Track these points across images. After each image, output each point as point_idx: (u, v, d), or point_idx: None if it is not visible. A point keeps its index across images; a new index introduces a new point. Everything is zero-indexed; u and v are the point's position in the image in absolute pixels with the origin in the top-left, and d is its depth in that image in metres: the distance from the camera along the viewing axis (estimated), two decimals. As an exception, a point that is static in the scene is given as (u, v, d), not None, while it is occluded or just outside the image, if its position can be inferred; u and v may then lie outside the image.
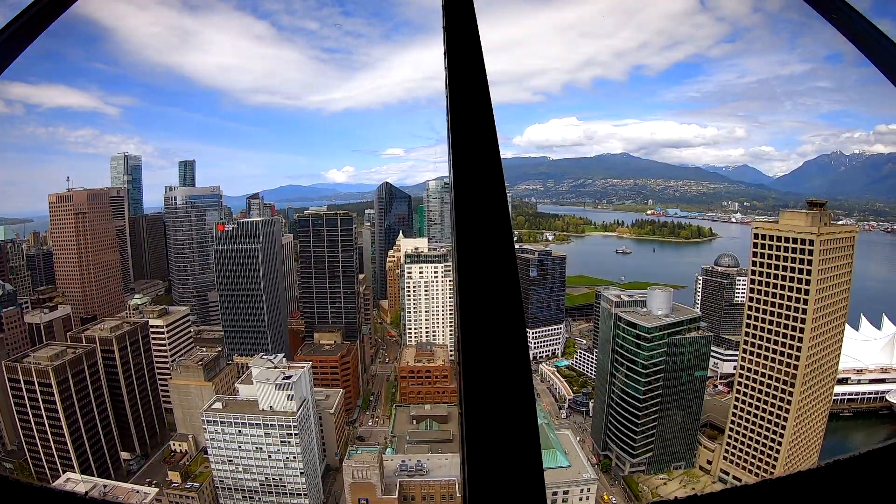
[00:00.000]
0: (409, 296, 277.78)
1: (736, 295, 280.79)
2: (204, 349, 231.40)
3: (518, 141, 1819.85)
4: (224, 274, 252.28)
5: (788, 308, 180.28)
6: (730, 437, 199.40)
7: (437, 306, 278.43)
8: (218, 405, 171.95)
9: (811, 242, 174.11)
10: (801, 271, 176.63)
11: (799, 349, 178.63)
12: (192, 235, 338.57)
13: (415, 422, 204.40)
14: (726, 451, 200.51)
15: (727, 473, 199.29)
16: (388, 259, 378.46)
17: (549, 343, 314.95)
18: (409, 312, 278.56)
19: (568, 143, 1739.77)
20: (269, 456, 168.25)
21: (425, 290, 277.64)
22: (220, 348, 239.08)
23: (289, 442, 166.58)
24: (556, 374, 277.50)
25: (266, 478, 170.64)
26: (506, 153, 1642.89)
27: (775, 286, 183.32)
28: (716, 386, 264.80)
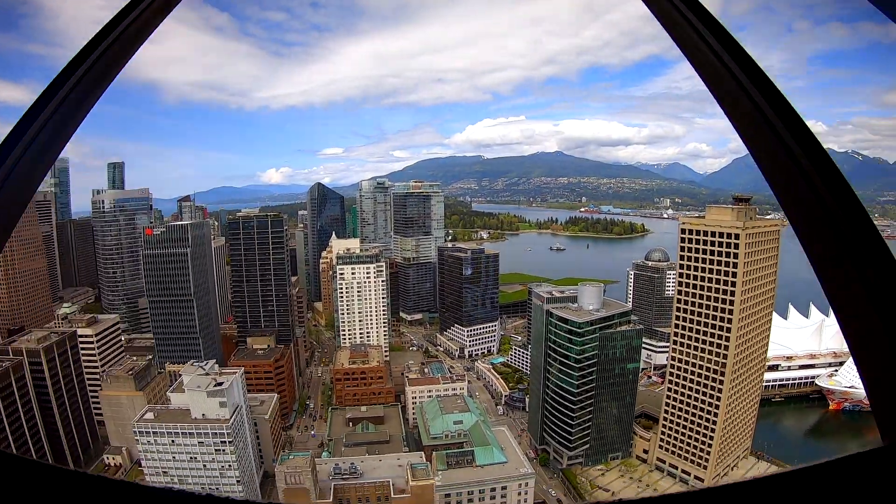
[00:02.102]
0: (342, 297, 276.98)
1: (667, 288, 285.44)
2: (134, 358, 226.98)
3: (458, 139, 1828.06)
4: (153, 280, 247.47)
5: (716, 300, 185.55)
6: (664, 426, 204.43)
7: (371, 307, 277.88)
8: (150, 415, 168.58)
9: (737, 236, 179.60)
10: (727, 264, 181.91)
11: (728, 339, 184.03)
12: (120, 240, 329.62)
13: (351, 424, 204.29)
14: (661, 439, 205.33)
15: (663, 462, 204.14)
16: (321, 260, 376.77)
17: (484, 340, 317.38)
18: (343, 314, 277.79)
19: (505, 142, 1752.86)
20: (205, 465, 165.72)
21: (358, 291, 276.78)
22: (150, 356, 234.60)
23: (223, 450, 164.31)
24: (492, 370, 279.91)
25: (202, 488, 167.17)
26: (443, 152, 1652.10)
27: (703, 279, 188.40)
28: (650, 377, 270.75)
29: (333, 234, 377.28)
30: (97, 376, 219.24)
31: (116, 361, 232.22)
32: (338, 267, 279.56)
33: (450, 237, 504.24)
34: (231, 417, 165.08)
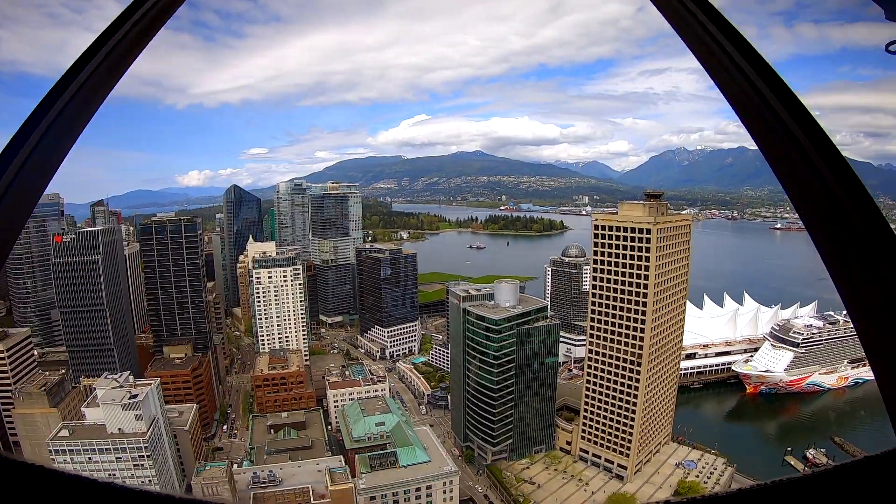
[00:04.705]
0: (259, 302, 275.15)
1: (584, 283, 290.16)
2: (47, 373, 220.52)
3: (381, 139, 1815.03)
4: (64, 289, 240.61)
5: (630, 293, 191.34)
6: (585, 417, 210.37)
7: (289, 311, 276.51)
8: (64, 433, 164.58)
9: (648, 231, 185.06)
10: (639, 258, 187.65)
11: (643, 330, 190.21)
12: (31, 249, 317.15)
13: (272, 431, 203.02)
14: (583, 431, 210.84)
15: (587, 452, 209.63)
16: (238, 265, 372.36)
17: (405, 341, 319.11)
18: (260, 319, 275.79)
19: (428, 142, 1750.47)
20: (124, 482, 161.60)
21: (275, 295, 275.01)
22: (64, 371, 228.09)
23: (142, 465, 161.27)
24: (414, 370, 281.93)
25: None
26: (365, 153, 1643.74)
27: (616, 273, 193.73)
28: (570, 370, 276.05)
29: (251, 238, 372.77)
30: (9, 394, 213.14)
31: (29, 377, 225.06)
32: (254, 271, 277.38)
33: (369, 238, 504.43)
34: (148, 430, 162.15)
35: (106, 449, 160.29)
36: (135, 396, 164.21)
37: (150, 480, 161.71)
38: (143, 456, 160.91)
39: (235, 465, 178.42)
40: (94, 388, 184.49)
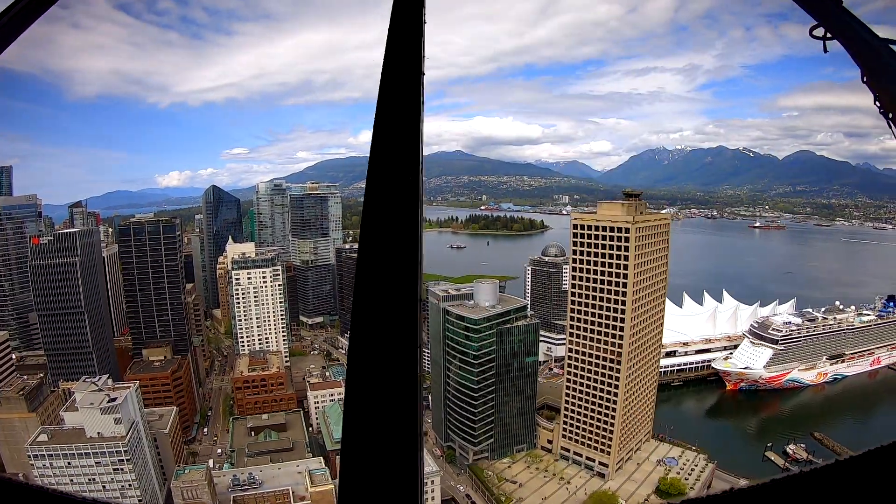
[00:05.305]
0: (239, 303, 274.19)
1: (563, 282, 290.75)
2: (25, 377, 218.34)
3: (362, 139, 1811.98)
4: (42, 292, 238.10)
5: (609, 291, 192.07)
6: (566, 416, 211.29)
7: (268, 312, 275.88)
8: (43, 437, 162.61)
9: (627, 230, 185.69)
10: (618, 257, 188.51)
11: (622, 328, 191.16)
12: (8, 251, 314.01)
13: (253, 433, 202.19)
14: (564, 429, 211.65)
15: (568, 450, 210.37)
16: (217, 266, 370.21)
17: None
18: (240, 320, 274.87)
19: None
20: (104, 486, 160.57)
21: (255, 296, 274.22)
22: (42, 375, 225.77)
23: (122, 469, 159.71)
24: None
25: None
26: (345, 153, 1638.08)
27: (595, 272, 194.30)
28: (551, 369, 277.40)
29: (230, 239, 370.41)
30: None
31: (6, 382, 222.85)
32: (233, 272, 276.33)
33: (350, 238, 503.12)
34: (127, 434, 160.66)
35: (85, 453, 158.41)
36: (114, 400, 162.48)
37: (129, 484, 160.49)
38: (122, 460, 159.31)
39: (216, 467, 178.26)
40: (73, 392, 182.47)
